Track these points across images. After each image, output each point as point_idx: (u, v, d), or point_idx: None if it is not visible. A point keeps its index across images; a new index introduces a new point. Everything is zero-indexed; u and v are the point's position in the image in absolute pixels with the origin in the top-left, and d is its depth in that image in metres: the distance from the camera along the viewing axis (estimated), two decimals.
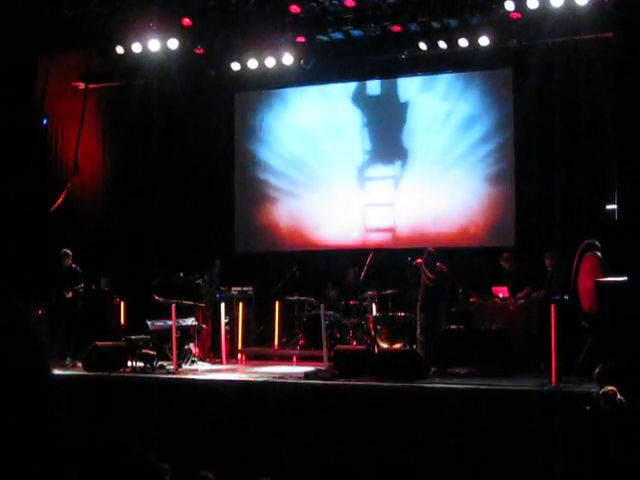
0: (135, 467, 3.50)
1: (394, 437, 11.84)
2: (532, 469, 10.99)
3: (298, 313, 17.04)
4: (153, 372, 14.47)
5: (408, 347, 13.94)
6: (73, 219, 18.76)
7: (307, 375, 13.58)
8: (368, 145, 18.37)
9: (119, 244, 18.77)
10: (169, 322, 14.95)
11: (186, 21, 16.65)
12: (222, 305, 16.46)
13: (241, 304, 17.10)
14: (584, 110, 16.04)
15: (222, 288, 16.98)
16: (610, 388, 10.10)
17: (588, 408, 9.96)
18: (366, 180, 18.28)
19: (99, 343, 14.86)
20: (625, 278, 11.74)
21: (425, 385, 12.66)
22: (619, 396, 9.94)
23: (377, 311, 15.77)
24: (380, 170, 18.20)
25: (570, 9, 14.96)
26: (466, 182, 17.37)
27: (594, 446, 9.83)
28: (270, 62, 17.13)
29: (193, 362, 15.42)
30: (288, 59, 16.97)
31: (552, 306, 12.47)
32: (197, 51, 17.48)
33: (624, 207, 14.82)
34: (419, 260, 14.40)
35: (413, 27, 16.54)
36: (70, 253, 16.05)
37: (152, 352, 14.76)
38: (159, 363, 14.78)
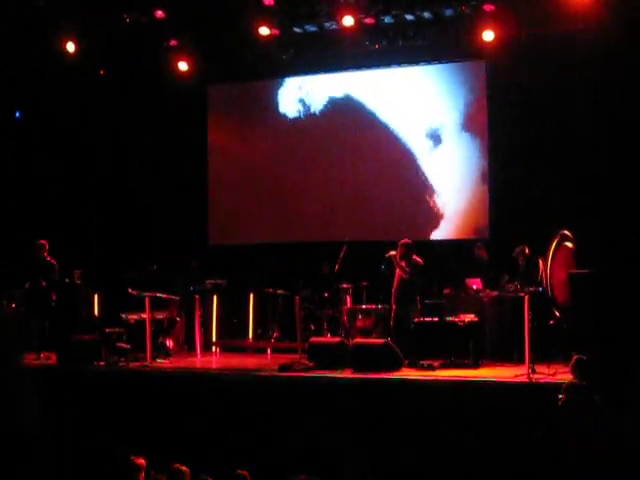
0: (108, 462, 3.51)
1: (368, 428, 11.87)
2: (505, 459, 11.05)
3: (272, 305, 17.03)
4: (127, 365, 14.43)
5: (382, 339, 13.94)
6: (48, 212, 18.68)
7: (282, 367, 13.58)
8: (344, 140, 18.36)
9: (93, 237, 18.70)
10: (143, 315, 14.92)
11: (159, 13, 16.60)
12: (196, 298, 16.47)
13: (215, 297, 17.08)
14: (554, 101, 16.12)
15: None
16: (573, 380, 10.19)
17: (560, 397, 10.02)
18: (342, 173, 18.29)
19: (73, 336, 14.82)
20: (597, 269, 11.83)
21: (399, 377, 12.70)
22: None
23: (351, 303, 15.78)
24: (355, 164, 18.21)
25: (542, 1, 15.08)
26: (440, 176, 17.44)
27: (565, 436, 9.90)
28: (244, 54, 17.16)
29: (167, 355, 15.40)
30: (262, 52, 16.98)
31: (525, 297, 12.53)
32: (170, 43, 17.45)
33: (595, 198, 14.96)
34: (392, 252, 14.37)
35: (387, 20, 16.58)
36: (45, 245, 15.99)
37: (126, 345, 14.72)
38: (133, 356, 14.73)
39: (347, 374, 13.01)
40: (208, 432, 12.62)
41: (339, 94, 18.40)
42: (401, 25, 16.70)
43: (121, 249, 18.26)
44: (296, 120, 18.78)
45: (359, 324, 15.09)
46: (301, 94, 18.75)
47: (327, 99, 18.48)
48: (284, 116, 18.86)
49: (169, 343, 15.71)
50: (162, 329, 15.65)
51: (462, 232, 17.24)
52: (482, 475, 11.19)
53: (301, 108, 18.70)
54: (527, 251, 14.66)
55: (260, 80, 19.06)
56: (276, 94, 18.96)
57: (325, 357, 13.66)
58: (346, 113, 18.37)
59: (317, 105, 18.56)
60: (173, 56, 17.71)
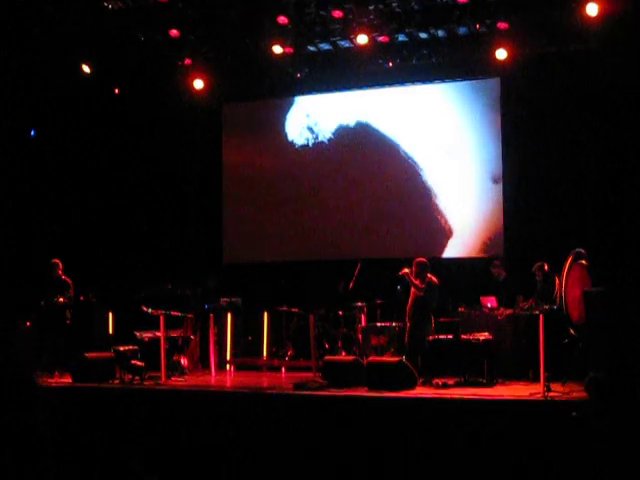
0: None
1: (383, 447, 11.82)
2: (520, 477, 10.99)
3: (287, 324, 17.03)
4: (142, 383, 14.43)
5: (397, 357, 13.90)
6: (61, 231, 18.72)
7: (296, 386, 13.56)
8: (356, 158, 18.38)
9: (107, 255, 18.73)
10: (157, 333, 14.92)
11: (173, 32, 16.66)
12: (211, 316, 16.47)
13: (229, 315, 17.08)
14: (568, 118, 16.12)
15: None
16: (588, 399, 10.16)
17: (574, 414, 9.99)
18: (355, 191, 18.29)
19: (87, 354, 14.82)
20: (611, 287, 11.79)
21: (413, 395, 12.65)
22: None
23: (366, 321, 15.76)
24: (367, 182, 18.22)
25: (556, 19, 15.08)
26: (455, 193, 17.42)
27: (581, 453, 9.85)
28: (258, 73, 17.19)
29: (182, 373, 15.39)
30: (276, 70, 17.01)
31: (540, 315, 12.50)
32: (185, 62, 17.51)
33: (608, 216, 14.92)
34: (405, 270, 14.34)
35: (401, 38, 16.61)
36: (60, 264, 16.03)
37: (140, 363, 14.72)
38: (148, 374, 14.73)
39: (361, 392, 12.98)
40: (222, 450, 12.58)
41: (352, 112, 18.41)
42: (415, 43, 16.74)
43: (136, 267, 18.29)
44: (308, 140, 18.78)
45: (373, 342, 15.08)
46: (313, 107, 18.77)
47: (340, 116, 18.49)
48: (297, 135, 18.88)
49: (183, 361, 15.70)
50: (176, 347, 15.65)
51: (476, 250, 17.21)
52: None
53: (313, 124, 18.71)
54: (546, 268, 14.63)
55: (274, 99, 19.09)
56: (289, 113, 18.98)
57: (339, 375, 13.62)
58: (358, 131, 18.38)
59: (329, 124, 18.57)
60: (187, 75, 17.75)
